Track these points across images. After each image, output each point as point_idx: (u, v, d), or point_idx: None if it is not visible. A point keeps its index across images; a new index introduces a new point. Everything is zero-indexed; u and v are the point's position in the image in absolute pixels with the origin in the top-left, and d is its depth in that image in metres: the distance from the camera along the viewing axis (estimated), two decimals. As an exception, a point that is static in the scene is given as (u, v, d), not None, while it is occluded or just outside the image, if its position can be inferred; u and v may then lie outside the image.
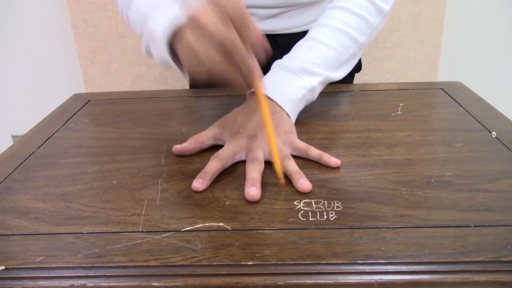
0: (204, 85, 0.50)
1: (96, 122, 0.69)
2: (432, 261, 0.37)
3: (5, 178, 0.53)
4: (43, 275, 0.37)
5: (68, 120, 0.70)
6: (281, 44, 0.79)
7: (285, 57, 0.64)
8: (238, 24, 0.45)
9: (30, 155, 0.58)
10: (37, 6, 1.48)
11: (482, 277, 0.36)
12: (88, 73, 1.53)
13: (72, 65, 1.56)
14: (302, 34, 0.68)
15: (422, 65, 1.47)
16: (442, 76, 1.49)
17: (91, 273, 0.37)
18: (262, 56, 0.48)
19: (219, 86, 0.50)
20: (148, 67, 1.49)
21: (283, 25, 0.80)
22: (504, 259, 0.37)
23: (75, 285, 0.36)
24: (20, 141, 0.63)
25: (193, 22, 0.46)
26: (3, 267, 0.38)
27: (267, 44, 0.48)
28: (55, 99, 1.57)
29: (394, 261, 0.37)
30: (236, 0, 0.44)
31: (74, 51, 1.53)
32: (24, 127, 1.65)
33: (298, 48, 0.65)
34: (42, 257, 0.39)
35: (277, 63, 0.64)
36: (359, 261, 0.37)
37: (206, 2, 0.45)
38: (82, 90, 1.57)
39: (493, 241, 0.39)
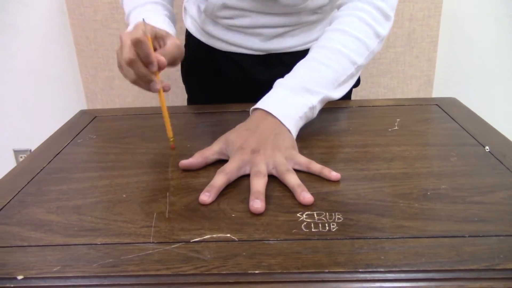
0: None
1: (103, 138, 0.71)
2: (429, 269, 0.39)
3: (18, 192, 0.55)
4: (60, 284, 0.39)
5: (76, 136, 0.72)
6: (287, 62, 0.81)
7: (287, 76, 0.67)
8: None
9: (41, 170, 0.60)
10: (40, 24, 1.51)
11: (476, 285, 0.38)
12: (90, 89, 1.55)
13: (74, 81, 1.59)
14: (306, 52, 0.70)
15: (418, 80, 1.50)
16: (437, 91, 1.52)
17: (106, 282, 0.39)
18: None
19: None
20: (149, 83, 1.52)
21: (288, 43, 0.83)
22: (497, 267, 0.39)
23: (91, 293, 0.38)
24: (30, 157, 0.65)
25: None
26: (21, 277, 0.40)
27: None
28: (57, 115, 1.61)
29: (393, 269, 0.39)
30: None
31: (76, 68, 1.55)
32: (25, 142, 1.68)
33: (299, 67, 0.68)
34: (58, 267, 0.41)
35: (278, 82, 0.67)
36: (360, 270, 0.39)
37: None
38: (83, 105, 1.59)
39: (487, 250, 0.41)
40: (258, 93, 0.67)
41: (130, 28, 0.69)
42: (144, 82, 0.62)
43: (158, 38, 0.65)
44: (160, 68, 0.62)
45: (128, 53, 0.59)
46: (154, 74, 0.62)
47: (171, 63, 0.65)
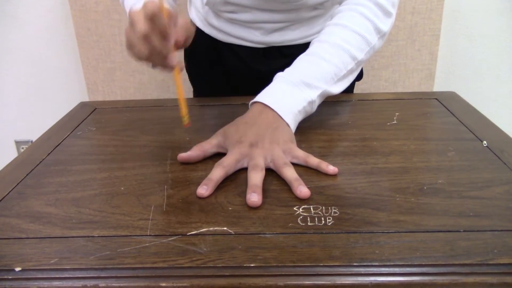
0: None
1: (103, 130, 0.71)
2: (423, 263, 0.39)
3: (18, 184, 0.55)
4: (57, 276, 0.40)
5: (76, 128, 0.72)
6: (287, 54, 0.82)
7: (287, 70, 0.67)
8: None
9: (40, 162, 0.61)
10: (42, 15, 1.51)
11: (470, 279, 0.38)
12: (91, 80, 1.55)
13: (75, 72, 1.59)
14: (306, 45, 0.71)
15: (419, 73, 1.50)
16: (438, 84, 1.52)
17: (103, 274, 0.40)
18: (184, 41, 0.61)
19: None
20: (150, 75, 1.52)
21: (289, 37, 0.83)
22: (490, 262, 0.39)
23: (88, 285, 0.39)
24: (30, 149, 0.65)
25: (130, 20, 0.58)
26: (19, 268, 0.40)
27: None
28: (59, 106, 1.61)
29: (388, 263, 0.39)
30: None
31: (78, 59, 1.55)
32: (27, 133, 1.69)
33: (299, 61, 0.68)
34: (56, 259, 0.41)
35: (278, 75, 0.67)
36: (354, 264, 0.40)
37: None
38: (85, 97, 1.59)
39: (481, 245, 0.41)
40: (259, 83, 0.67)
41: (138, 6, 0.63)
42: (158, 58, 0.58)
43: (169, 17, 0.60)
44: (176, 46, 0.59)
45: (144, 26, 0.55)
46: (170, 48, 0.59)
47: (184, 42, 0.62)
